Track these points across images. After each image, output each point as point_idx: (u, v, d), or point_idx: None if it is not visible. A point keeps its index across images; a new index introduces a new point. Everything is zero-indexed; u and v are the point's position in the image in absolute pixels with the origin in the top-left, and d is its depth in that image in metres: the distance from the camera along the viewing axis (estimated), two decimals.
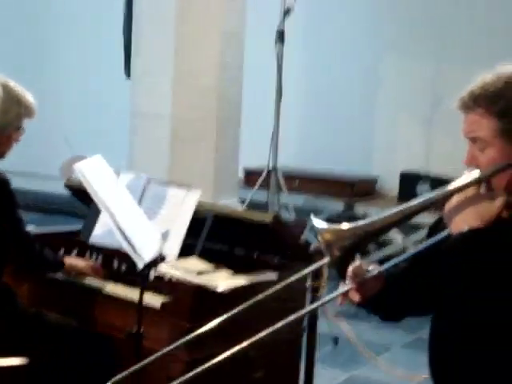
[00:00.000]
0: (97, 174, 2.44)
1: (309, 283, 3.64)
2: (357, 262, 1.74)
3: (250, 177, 7.26)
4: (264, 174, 5.93)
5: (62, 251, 3.16)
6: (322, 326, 4.79)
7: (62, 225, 4.15)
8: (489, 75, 1.70)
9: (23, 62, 8.32)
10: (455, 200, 1.66)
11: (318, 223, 1.66)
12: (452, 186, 1.67)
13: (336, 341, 4.91)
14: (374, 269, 1.78)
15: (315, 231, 1.66)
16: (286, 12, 5.64)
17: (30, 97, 2.83)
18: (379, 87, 7.64)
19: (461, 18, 7.11)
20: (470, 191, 1.66)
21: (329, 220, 5.43)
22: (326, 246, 1.64)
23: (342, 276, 1.74)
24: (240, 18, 5.63)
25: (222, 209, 3.13)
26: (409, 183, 6.74)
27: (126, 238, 2.27)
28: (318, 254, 3.46)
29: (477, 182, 1.67)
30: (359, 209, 6.96)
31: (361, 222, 1.67)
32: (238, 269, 2.86)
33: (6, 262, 2.84)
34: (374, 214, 6.53)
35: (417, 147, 7.23)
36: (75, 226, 3.52)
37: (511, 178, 1.65)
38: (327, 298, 1.84)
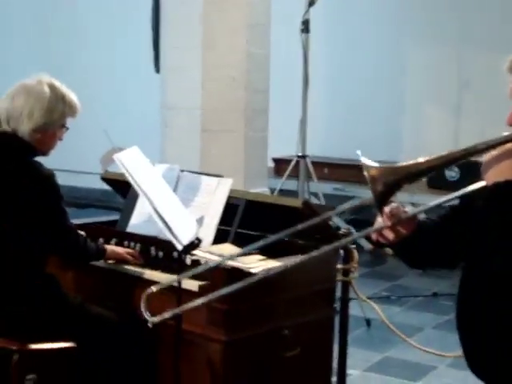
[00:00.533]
0: (135, 164, 2.56)
1: (340, 266, 3.75)
2: (395, 203, 1.81)
3: (280, 166, 7.36)
4: (293, 163, 6.03)
5: (101, 241, 3.30)
6: (355, 309, 4.90)
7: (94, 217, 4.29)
8: None
9: (53, 58, 8.50)
10: (494, 153, 1.75)
11: (365, 160, 1.75)
12: (493, 140, 1.76)
13: (368, 323, 5.01)
14: (410, 211, 1.86)
15: (365, 171, 1.74)
16: (311, 2, 5.72)
17: (74, 96, 2.95)
18: (405, 74, 7.69)
19: (484, 2, 7.13)
20: (509, 146, 1.75)
21: (359, 207, 5.53)
22: (371, 180, 1.73)
23: (381, 213, 1.82)
24: (265, 10, 5.72)
25: (254, 195, 3.23)
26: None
27: (164, 222, 2.39)
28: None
29: None
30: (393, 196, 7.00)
31: (404, 163, 1.76)
32: (269, 253, 2.96)
33: (49, 252, 2.97)
34: (403, 199, 6.65)
35: (444, 132, 7.28)
36: (112, 217, 3.65)
37: None
38: (364, 231, 1.92)
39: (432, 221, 2.01)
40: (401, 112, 7.69)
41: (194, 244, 2.34)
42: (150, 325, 2.10)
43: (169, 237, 2.40)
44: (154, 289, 2.26)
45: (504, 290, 1.74)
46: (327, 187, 6.90)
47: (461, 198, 1.95)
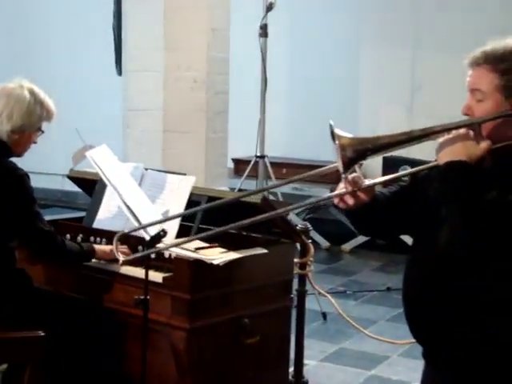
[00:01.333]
0: (105, 161, 2.72)
1: (296, 260, 3.93)
2: (357, 172, 1.99)
3: (239, 166, 7.53)
4: (252, 163, 6.20)
5: (68, 237, 3.43)
6: (312, 303, 5.10)
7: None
8: (501, 41, 2.00)
9: (15, 60, 8.55)
10: (448, 136, 1.94)
11: (338, 130, 1.97)
12: (449, 124, 1.96)
13: (324, 316, 5.21)
14: (369, 182, 2.04)
15: (333, 136, 1.95)
16: (269, 7, 5.91)
17: (51, 102, 3.10)
18: (360, 76, 7.93)
19: (440, 5, 7.40)
20: (462, 131, 1.95)
21: (316, 205, 5.68)
22: (341, 148, 1.93)
23: (345, 179, 2.00)
24: (225, 14, 5.88)
25: (215, 192, 3.40)
26: (391, 167, 7.01)
27: (133, 215, 2.55)
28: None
29: (469, 126, 1.95)
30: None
31: (371, 136, 1.97)
32: (230, 246, 3.13)
33: (14, 249, 3.08)
34: None
35: (397, 131, 7.51)
36: (77, 214, 3.79)
37: (496, 128, 1.93)
38: (326, 195, 2.10)
39: (384, 195, 2.18)
40: (356, 113, 7.92)
41: (160, 235, 2.50)
42: (120, 264, 2.40)
43: (138, 229, 2.55)
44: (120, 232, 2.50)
45: (450, 262, 1.92)
46: (285, 187, 7.08)
47: (412, 178, 2.14)
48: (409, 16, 7.57)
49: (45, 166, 8.21)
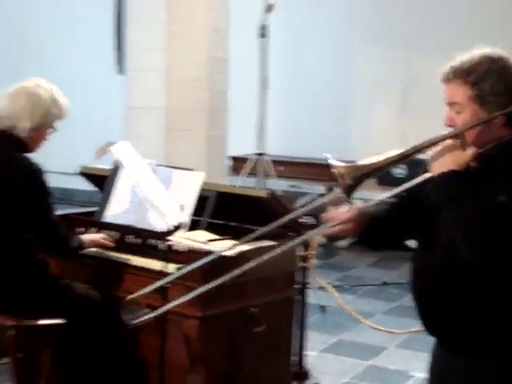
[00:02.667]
0: (128, 155, 2.86)
1: (299, 253, 4.08)
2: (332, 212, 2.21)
3: (238, 164, 7.67)
4: (251, 160, 6.35)
5: (80, 230, 3.56)
6: (311, 297, 5.24)
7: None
8: (466, 54, 2.15)
9: (13, 59, 8.66)
10: (436, 149, 2.10)
11: (333, 161, 2.12)
12: (434, 138, 2.12)
13: (324, 309, 5.36)
14: (365, 207, 2.21)
15: (335, 169, 2.10)
16: (268, 8, 6.07)
17: (65, 100, 3.25)
18: (354, 77, 8.09)
19: (429, 7, 7.56)
20: (448, 142, 2.11)
21: (311, 201, 5.74)
22: (340, 176, 2.08)
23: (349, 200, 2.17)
24: (225, 15, 6.03)
25: (224, 187, 3.54)
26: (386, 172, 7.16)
27: (155, 206, 2.69)
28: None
29: (454, 136, 2.11)
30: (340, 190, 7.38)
31: (365, 161, 2.12)
32: (239, 239, 3.26)
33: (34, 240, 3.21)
34: (355, 196, 6.94)
35: (391, 131, 7.68)
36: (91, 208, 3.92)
37: (478, 134, 2.09)
38: (333, 224, 2.25)
39: (383, 210, 2.35)
40: (351, 111, 8.07)
41: (180, 226, 2.63)
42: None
43: (159, 218, 2.69)
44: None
45: (452, 257, 2.07)
46: (284, 184, 7.23)
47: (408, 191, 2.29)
48: (401, 16, 7.72)
49: (42, 164, 8.33)
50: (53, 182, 8.63)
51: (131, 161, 2.84)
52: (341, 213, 2.24)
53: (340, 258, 7.23)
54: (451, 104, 2.13)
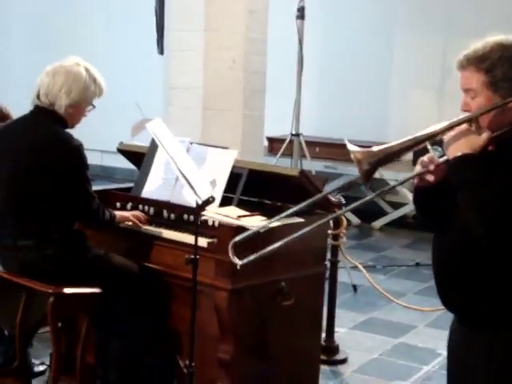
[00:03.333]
0: (162, 132, 2.97)
1: (330, 231, 4.17)
2: (430, 153, 2.20)
3: (273, 145, 7.76)
4: (287, 141, 6.43)
5: (118, 205, 3.70)
6: (343, 276, 5.34)
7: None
8: (480, 42, 2.22)
9: (56, 43, 8.85)
10: (451, 133, 2.17)
11: (351, 146, 2.18)
12: (449, 123, 2.18)
13: (355, 288, 5.45)
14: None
15: (352, 154, 2.17)
16: None
17: (102, 79, 3.38)
18: (392, 59, 8.10)
19: None
20: (463, 127, 2.17)
21: (349, 184, 5.88)
22: (357, 162, 2.16)
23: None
24: None
25: (256, 165, 3.63)
26: (421, 148, 7.19)
27: (187, 181, 2.80)
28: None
29: (469, 121, 2.17)
30: (376, 172, 7.44)
31: (382, 146, 2.19)
32: (270, 216, 3.36)
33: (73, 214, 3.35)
34: (388, 176, 7.02)
35: (428, 115, 7.69)
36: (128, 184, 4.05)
37: (492, 119, 2.15)
38: (408, 175, 2.28)
39: None
40: (387, 95, 8.10)
41: (210, 200, 2.74)
42: (238, 267, 2.45)
43: (190, 193, 2.80)
44: (237, 238, 2.54)
45: (467, 238, 2.14)
46: (318, 165, 7.31)
47: None
48: (440, 2, 7.70)
49: (85, 142, 8.53)
50: (95, 159, 8.97)
51: (164, 138, 2.95)
52: (433, 158, 2.21)
53: (374, 238, 7.30)
54: (466, 90, 2.21)
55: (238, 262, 2.46)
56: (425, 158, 2.21)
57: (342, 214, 4.28)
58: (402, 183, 2.46)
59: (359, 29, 8.12)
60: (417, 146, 2.23)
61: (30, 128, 3.28)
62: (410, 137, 2.22)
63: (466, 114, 2.21)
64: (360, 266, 4.55)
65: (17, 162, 3.22)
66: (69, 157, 3.20)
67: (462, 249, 2.15)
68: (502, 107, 2.14)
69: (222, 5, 5.75)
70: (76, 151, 3.21)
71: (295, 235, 2.48)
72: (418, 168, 2.24)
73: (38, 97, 3.26)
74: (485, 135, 2.15)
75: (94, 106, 3.40)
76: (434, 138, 2.21)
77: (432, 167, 2.20)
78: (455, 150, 2.14)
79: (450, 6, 7.64)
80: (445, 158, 2.20)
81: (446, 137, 2.18)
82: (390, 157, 2.21)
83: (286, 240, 2.46)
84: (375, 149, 2.20)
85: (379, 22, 8.00)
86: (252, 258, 2.43)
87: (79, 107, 3.31)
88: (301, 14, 6.10)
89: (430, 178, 2.22)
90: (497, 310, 2.14)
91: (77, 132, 3.38)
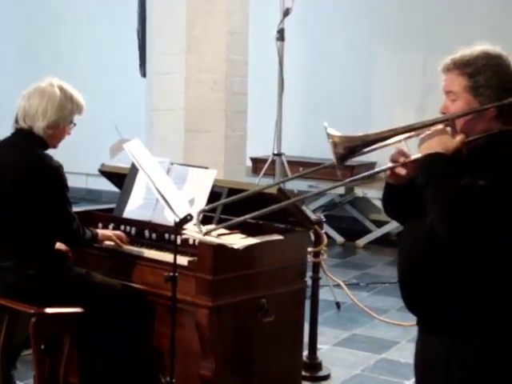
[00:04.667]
0: (140, 152, 3.02)
1: (310, 249, 4.22)
2: (400, 147, 2.28)
3: (257, 165, 7.82)
4: (269, 160, 6.49)
5: (100, 225, 3.74)
6: (326, 294, 5.39)
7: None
8: (467, 49, 2.31)
9: (41, 61, 8.92)
10: (427, 132, 2.24)
11: (331, 130, 2.26)
12: (427, 121, 2.25)
13: (338, 305, 5.49)
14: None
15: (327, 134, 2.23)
16: (286, 12, 6.20)
17: (80, 96, 3.44)
18: (373, 78, 8.20)
19: (451, 9, 7.66)
20: (440, 127, 2.24)
21: (331, 202, 5.99)
22: (334, 145, 2.23)
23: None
24: (244, 19, 6.17)
25: (235, 184, 3.68)
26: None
27: (165, 200, 2.85)
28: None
29: (444, 121, 2.24)
30: (359, 191, 7.53)
31: (358, 133, 2.25)
32: (249, 234, 3.42)
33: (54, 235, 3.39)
34: (371, 195, 7.07)
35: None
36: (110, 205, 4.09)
37: (466, 123, 2.23)
38: (383, 167, 2.33)
39: None
40: (369, 114, 8.19)
41: (187, 219, 2.79)
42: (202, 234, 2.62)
43: (169, 212, 2.85)
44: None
45: (433, 236, 2.19)
46: (302, 185, 7.36)
47: None
48: (421, 18, 7.82)
49: (70, 166, 8.58)
50: (80, 182, 8.98)
51: (141, 158, 3.00)
52: (405, 152, 2.27)
53: (358, 256, 7.35)
54: (447, 92, 2.28)
55: (203, 230, 2.52)
56: (395, 152, 2.27)
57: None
58: (376, 173, 2.53)
59: (339, 49, 8.23)
60: (393, 137, 2.29)
61: (10, 150, 3.33)
62: (386, 128, 2.29)
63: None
64: (342, 284, 4.60)
65: None
66: (48, 178, 3.24)
67: (429, 248, 2.19)
68: (478, 113, 2.21)
69: (202, 27, 5.83)
70: (55, 172, 3.25)
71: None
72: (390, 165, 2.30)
73: (17, 121, 3.32)
74: (459, 138, 2.21)
75: (75, 124, 3.44)
76: (410, 133, 2.28)
77: (402, 159, 2.26)
78: (428, 148, 2.20)
79: (431, 21, 7.76)
80: (417, 155, 2.27)
81: (422, 135, 2.25)
82: (366, 144, 2.27)
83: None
84: (353, 135, 2.27)
85: (360, 42, 8.11)
86: (218, 226, 2.47)
87: (58, 127, 3.36)
88: (281, 35, 6.19)
89: (402, 171, 2.28)
90: (456, 315, 2.18)
91: (61, 155, 3.43)
